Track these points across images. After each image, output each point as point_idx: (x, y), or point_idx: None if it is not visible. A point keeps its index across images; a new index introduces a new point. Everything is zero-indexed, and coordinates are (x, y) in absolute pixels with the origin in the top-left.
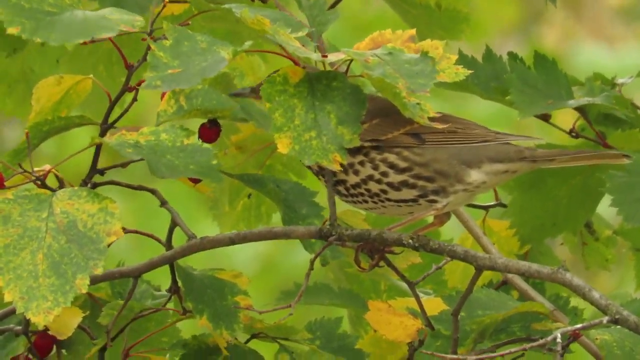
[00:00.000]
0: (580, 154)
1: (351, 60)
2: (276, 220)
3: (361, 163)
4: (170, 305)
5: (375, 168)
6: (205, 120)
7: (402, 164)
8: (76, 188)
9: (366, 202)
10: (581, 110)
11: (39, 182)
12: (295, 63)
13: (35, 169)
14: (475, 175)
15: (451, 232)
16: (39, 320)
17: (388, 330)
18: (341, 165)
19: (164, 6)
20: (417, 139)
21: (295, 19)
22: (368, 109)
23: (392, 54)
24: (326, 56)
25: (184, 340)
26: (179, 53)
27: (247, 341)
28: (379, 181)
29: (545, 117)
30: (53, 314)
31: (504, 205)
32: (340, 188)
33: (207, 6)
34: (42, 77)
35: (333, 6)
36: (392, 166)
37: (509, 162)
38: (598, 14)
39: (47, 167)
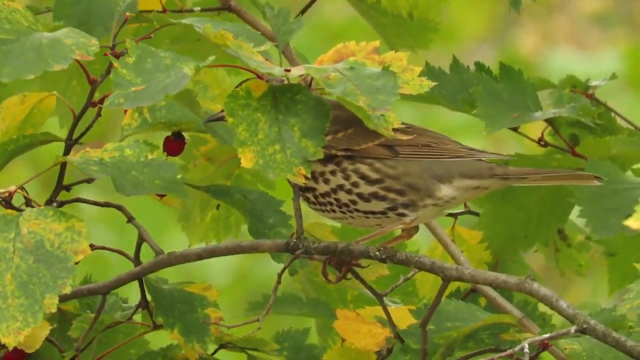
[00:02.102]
0: (552, 174)
1: None
2: (245, 230)
3: (332, 172)
4: (138, 318)
5: (347, 178)
6: (169, 133)
7: (374, 176)
8: (42, 207)
9: (334, 211)
10: (549, 119)
11: (4, 203)
12: (259, 77)
13: (1, 190)
14: (445, 191)
15: (420, 240)
16: (9, 341)
17: (356, 339)
18: (312, 173)
19: (126, 20)
20: (391, 151)
21: (258, 33)
22: (342, 117)
23: (354, 68)
24: (289, 71)
25: (153, 353)
26: (142, 70)
27: (215, 351)
28: (349, 191)
29: (515, 127)
30: (23, 334)
31: (474, 213)
32: (309, 195)
33: (169, 21)
34: (15, 93)
35: (303, 11)
36: (363, 177)
37: (480, 178)
38: (573, 20)
39: (12, 187)
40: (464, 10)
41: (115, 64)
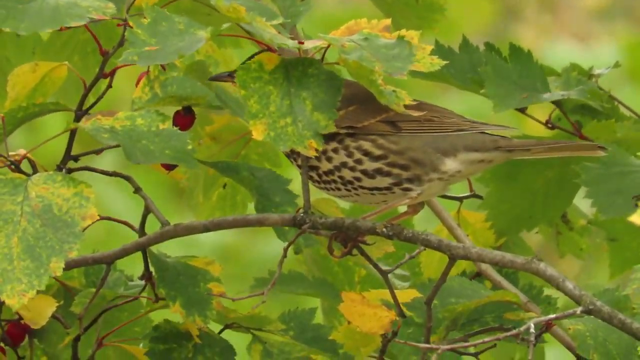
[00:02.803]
0: (556, 145)
1: (326, 48)
2: (252, 209)
3: (335, 150)
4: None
5: (350, 155)
6: (179, 108)
7: (377, 152)
8: (51, 172)
9: (339, 189)
10: (557, 101)
11: (13, 167)
12: (271, 50)
13: (10, 153)
14: (450, 164)
15: (425, 223)
16: (13, 302)
17: (361, 322)
18: (315, 151)
19: None
20: (393, 127)
21: (270, 8)
22: (344, 95)
23: (368, 39)
24: (302, 43)
25: (155, 325)
26: (156, 32)
27: (221, 332)
28: (352, 168)
29: (522, 108)
30: (27, 296)
31: (479, 196)
32: (313, 174)
33: None
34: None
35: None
36: (366, 154)
37: (485, 151)
38: (573, 14)
39: (21, 151)
40: (464, 6)
41: (131, 23)
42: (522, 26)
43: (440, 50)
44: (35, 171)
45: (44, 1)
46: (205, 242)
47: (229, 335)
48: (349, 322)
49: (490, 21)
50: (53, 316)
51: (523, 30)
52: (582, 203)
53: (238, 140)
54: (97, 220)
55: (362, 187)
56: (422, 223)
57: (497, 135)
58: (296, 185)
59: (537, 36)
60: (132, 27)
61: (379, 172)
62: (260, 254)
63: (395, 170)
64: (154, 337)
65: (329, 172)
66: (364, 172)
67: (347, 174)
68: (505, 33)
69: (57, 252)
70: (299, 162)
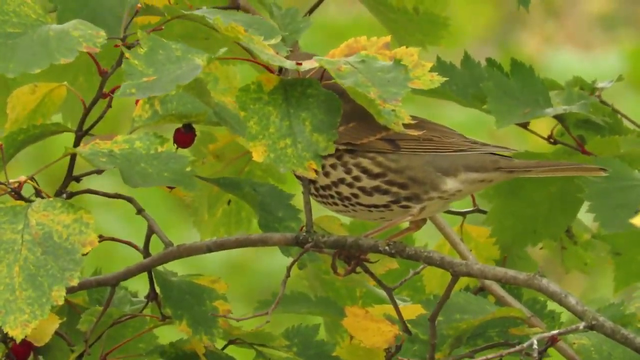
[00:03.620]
0: (558, 166)
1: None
2: (256, 225)
3: (333, 166)
4: (147, 312)
5: (348, 172)
6: (180, 125)
7: (376, 170)
8: (51, 199)
9: (336, 204)
10: (559, 116)
11: (14, 194)
12: (270, 70)
13: (11, 180)
14: (451, 184)
15: (427, 238)
16: (16, 333)
17: (365, 337)
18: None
19: (137, 12)
20: (393, 145)
21: (270, 23)
22: (345, 111)
23: (365, 61)
24: (300, 64)
25: (161, 347)
26: (153, 61)
27: (224, 347)
28: (350, 185)
29: (524, 124)
30: (30, 326)
31: (482, 211)
32: (310, 187)
33: (181, 12)
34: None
35: (311, 11)
36: (365, 171)
37: (485, 171)
38: (577, 21)
39: (22, 178)
40: (466, 12)
41: (127, 54)
42: (526, 33)
43: (441, 66)
44: (38, 196)
45: (35, 33)
46: (209, 256)
47: (232, 352)
48: (351, 337)
49: (494, 28)
50: (57, 333)
51: (527, 37)
52: (586, 217)
53: (241, 157)
54: (101, 241)
55: (360, 204)
56: (425, 238)
57: (498, 155)
58: (299, 200)
59: (541, 43)
60: (128, 58)
61: (377, 189)
62: (266, 267)
63: (394, 189)
64: None
65: (326, 187)
66: (362, 190)
67: (344, 190)
68: (509, 40)
69: (59, 280)
70: (302, 183)
